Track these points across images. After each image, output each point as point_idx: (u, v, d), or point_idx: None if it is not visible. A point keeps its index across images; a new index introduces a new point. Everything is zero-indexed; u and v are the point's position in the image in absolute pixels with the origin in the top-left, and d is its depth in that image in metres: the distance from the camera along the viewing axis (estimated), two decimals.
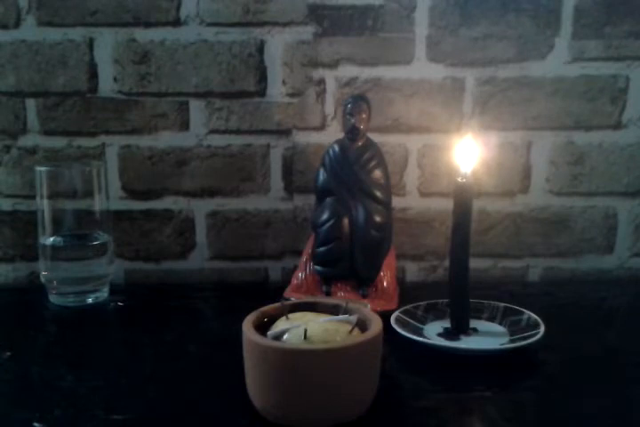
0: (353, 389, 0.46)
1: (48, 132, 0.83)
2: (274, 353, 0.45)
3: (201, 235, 0.86)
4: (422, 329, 0.63)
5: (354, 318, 0.49)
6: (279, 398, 0.45)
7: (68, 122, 0.83)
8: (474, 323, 0.63)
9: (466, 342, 0.60)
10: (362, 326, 0.48)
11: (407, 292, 0.74)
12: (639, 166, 0.84)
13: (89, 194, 0.74)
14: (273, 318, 0.50)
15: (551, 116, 0.83)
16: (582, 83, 0.82)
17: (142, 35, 0.81)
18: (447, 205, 0.68)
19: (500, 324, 0.65)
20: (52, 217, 0.73)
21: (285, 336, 0.47)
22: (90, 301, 0.76)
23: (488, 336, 0.62)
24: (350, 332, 0.47)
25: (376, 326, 0.48)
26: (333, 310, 0.51)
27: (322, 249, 0.71)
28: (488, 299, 0.68)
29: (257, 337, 0.46)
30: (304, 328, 0.46)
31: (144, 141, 0.84)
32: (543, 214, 0.85)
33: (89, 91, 0.82)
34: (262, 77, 0.82)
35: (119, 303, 0.76)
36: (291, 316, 0.50)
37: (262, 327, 0.49)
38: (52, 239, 0.74)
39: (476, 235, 0.83)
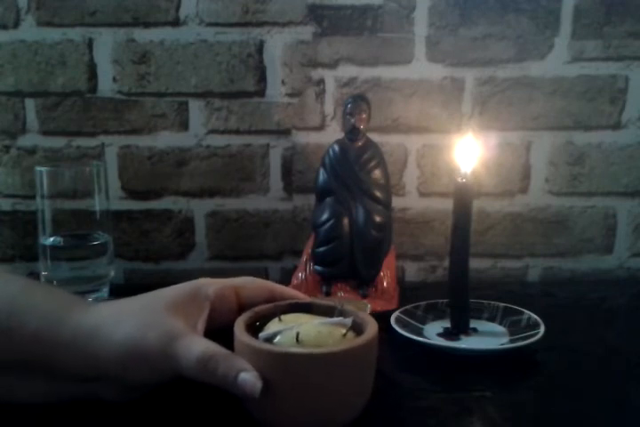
0: (345, 393, 0.45)
1: (47, 133, 0.83)
2: (266, 356, 0.43)
3: (200, 235, 0.86)
4: (422, 329, 0.63)
5: (348, 320, 0.47)
6: (270, 401, 0.44)
7: (67, 122, 0.83)
8: (474, 323, 0.63)
9: (466, 342, 0.60)
10: (357, 328, 0.47)
11: (407, 292, 0.74)
12: (639, 166, 0.84)
13: (89, 194, 0.74)
14: (266, 320, 0.49)
15: (550, 117, 0.83)
16: (582, 83, 0.82)
17: (141, 35, 0.81)
18: (447, 205, 0.68)
19: (500, 324, 0.65)
20: (51, 217, 0.73)
21: (277, 339, 0.45)
22: (90, 301, 0.76)
23: (488, 336, 0.62)
24: (344, 335, 0.46)
25: (371, 329, 0.46)
26: (328, 312, 0.50)
27: (322, 249, 0.71)
28: (488, 299, 0.68)
29: (248, 338, 0.45)
30: (296, 331, 0.45)
31: (143, 141, 0.84)
32: (542, 214, 0.85)
33: (88, 91, 0.82)
34: (262, 77, 0.82)
35: None
36: (284, 317, 0.48)
37: (255, 328, 0.48)
38: (51, 239, 0.74)
39: (476, 235, 0.83)
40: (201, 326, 0.46)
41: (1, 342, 0.45)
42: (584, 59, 0.81)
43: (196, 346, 0.43)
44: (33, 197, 0.76)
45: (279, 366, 0.43)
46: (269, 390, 0.43)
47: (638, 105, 0.82)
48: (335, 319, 0.47)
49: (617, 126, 0.83)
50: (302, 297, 0.51)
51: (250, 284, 0.50)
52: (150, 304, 0.47)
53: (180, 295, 0.47)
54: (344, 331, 0.46)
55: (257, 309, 0.49)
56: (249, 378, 0.41)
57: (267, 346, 0.44)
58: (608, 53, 0.81)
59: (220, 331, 0.47)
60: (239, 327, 0.46)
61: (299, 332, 0.44)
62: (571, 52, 0.81)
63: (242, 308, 0.49)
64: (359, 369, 0.45)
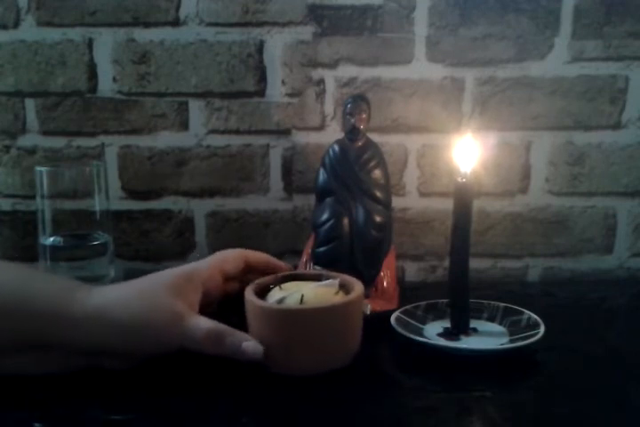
0: (344, 339, 0.54)
1: (47, 133, 0.83)
2: (280, 314, 0.52)
3: (200, 235, 0.86)
4: (422, 329, 0.63)
5: (336, 281, 0.56)
6: (284, 353, 0.52)
7: (67, 122, 0.83)
8: (474, 323, 0.63)
9: (466, 342, 0.60)
10: (343, 287, 0.56)
11: (407, 292, 0.74)
12: (639, 166, 0.84)
13: (89, 194, 0.74)
14: (268, 289, 0.57)
15: (550, 117, 0.83)
16: (582, 83, 0.82)
17: (141, 35, 0.81)
18: (447, 205, 0.68)
19: (500, 324, 0.65)
20: (51, 217, 0.73)
21: (285, 302, 0.53)
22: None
23: (488, 336, 0.62)
24: (337, 293, 0.55)
25: (358, 286, 0.55)
26: (316, 278, 0.58)
27: (322, 249, 0.71)
28: (488, 299, 0.68)
29: (263, 303, 0.53)
30: (301, 294, 0.53)
31: (143, 141, 0.84)
32: (542, 214, 0.85)
33: (88, 91, 0.82)
34: (262, 77, 0.82)
35: None
36: (283, 286, 0.56)
37: (260, 296, 0.55)
38: (51, 239, 0.74)
39: (476, 235, 0.83)
40: (197, 304, 0.53)
41: (20, 325, 0.50)
42: (584, 59, 0.81)
43: (203, 324, 0.50)
44: (33, 197, 0.76)
45: (292, 322, 0.52)
46: (282, 343, 0.51)
47: (638, 105, 0.82)
48: (327, 282, 0.56)
49: (617, 126, 0.83)
50: (274, 261, 0.61)
51: (230, 257, 0.58)
52: (152, 287, 0.53)
53: (178, 278, 0.53)
54: (335, 290, 0.55)
55: (258, 281, 0.57)
56: (252, 345, 0.50)
57: (281, 306, 0.53)
58: (608, 53, 0.81)
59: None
60: (251, 296, 0.54)
61: (303, 294, 0.53)
62: (571, 52, 0.81)
63: (226, 280, 0.57)
64: (355, 318, 0.55)
